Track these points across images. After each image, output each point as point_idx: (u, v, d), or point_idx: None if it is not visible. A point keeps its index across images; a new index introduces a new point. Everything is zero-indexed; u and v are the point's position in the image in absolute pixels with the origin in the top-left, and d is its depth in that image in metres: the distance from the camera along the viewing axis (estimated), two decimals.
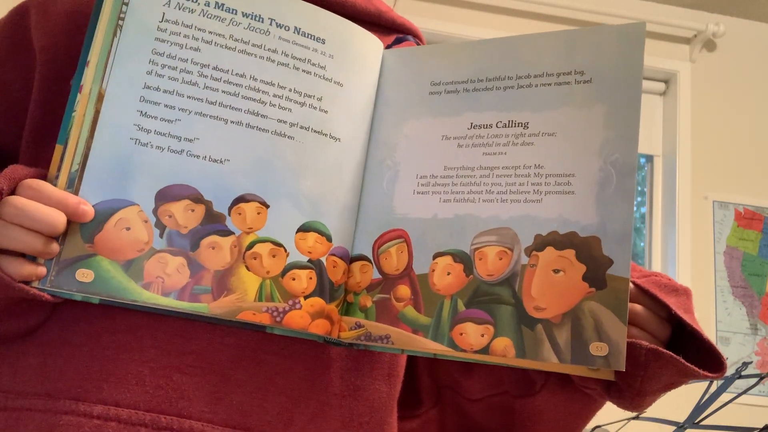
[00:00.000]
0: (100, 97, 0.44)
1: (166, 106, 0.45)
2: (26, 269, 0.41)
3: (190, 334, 0.46)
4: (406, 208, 0.48)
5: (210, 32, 0.47)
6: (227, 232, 0.45)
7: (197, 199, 0.45)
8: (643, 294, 0.46)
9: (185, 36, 0.46)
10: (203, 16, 0.47)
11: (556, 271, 0.43)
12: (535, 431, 0.57)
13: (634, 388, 0.45)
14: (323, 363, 0.49)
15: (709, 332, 2.40)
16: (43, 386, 0.45)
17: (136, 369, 0.45)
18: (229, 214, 0.46)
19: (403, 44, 0.59)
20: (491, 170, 0.46)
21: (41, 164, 0.50)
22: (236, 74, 0.47)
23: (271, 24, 0.48)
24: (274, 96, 0.48)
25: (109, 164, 0.44)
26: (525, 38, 0.49)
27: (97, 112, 0.44)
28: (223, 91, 0.47)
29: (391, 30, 0.62)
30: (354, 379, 0.51)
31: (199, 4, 0.47)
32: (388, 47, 0.56)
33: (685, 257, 2.45)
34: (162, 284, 0.43)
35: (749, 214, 2.53)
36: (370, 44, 0.53)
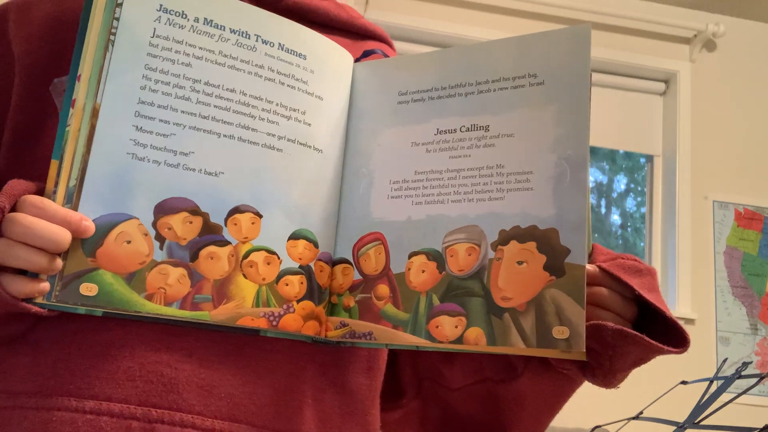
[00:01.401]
0: (95, 112, 0.45)
1: (160, 120, 0.46)
2: (29, 287, 0.42)
3: (178, 331, 0.47)
4: (381, 212, 0.51)
5: (200, 48, 0.48)
6: (224, 243, 0.47)
7: (194, 211, 0.46)
8: (608, 276, 0.48)
9: (176, 51, 0.47)
10: (193, 32, 0.48)
11: (519, 263, 0.46)
12: (518, 414, 0.58)
13: (604, 366, 0.49)
14: (305, 358, 0.51)
15: (709, 332, 2.40)
16: (34, 385, 0.45)
17: (127, 365, 0.45)
18: (226, 225, 0.47)
19: (371, 57, 0.62)
20: (458, 172, 0.49)
21: (24, 168, 0.51)
22: (226, 89, 0.48)
23: (257, 40, 0.50)
24: (263, 110, 0.49)
25: (107, 179, 0.44)
26: (483, 46, 0.52)
27: (92, 127, 0.44)
28: (215, 106, 0.48)
29: (363, 36, 0.65)
30: (335, 373, 0.53)
31: (188, 20, 0.48)
32: (357, 60, 0.58)
33: (685, 257, 2.45)
34: (164, 295, 0.45)
35: (749, 214, 2.53)
36: (343, 59, 0.56)
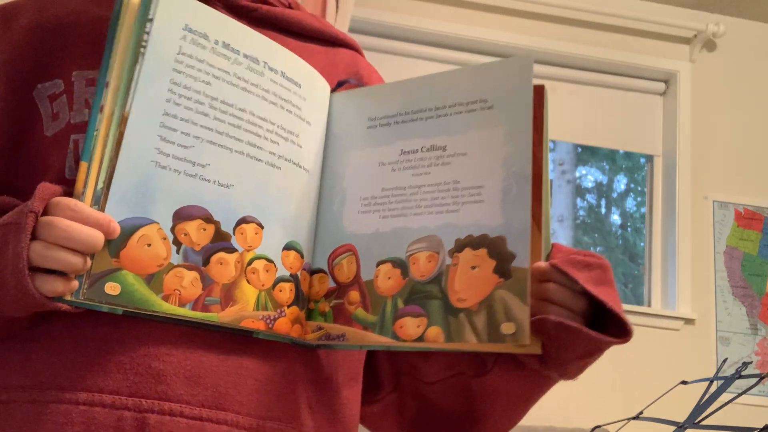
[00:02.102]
0: (124, 120, 0.47)
1: (182, 132, 0.49)
2: (62, 286, 0.44)
3: (166, 326, 0.49)
4: (353, 226, 0.57)
5: (218, 68, 0.51)
6: (232, 250, 0.51)
7: (208, 219, 0.50)
8: (558, 272, 0.52)
9: (198, 69, 0.50)
10: (213, 53, 0.51)
11: (472, 268, 0.50)
12: (491, 407, 0.62)
13: (553, 358, 0.53)
14: (286, 352, 0.55)
15: (709, 332, 2.40)
16: (27, 379, 0.47)
17: (117, 359, 0.47)
18: (234, 234, 0.51)
19: (345, 86, 0.67)
20: (419, 188, 0.55)
21: (19, 169, 0.54)
22: (239, 108, 0.52)
23: (264, 66, 0.54)
24: (267, 131, 0.54)
25: (133, 184, 0.47)
26: (441, 75, 0.58)
27: (121, 134, 0.47)
28: (229, 123, 0.51)
29: (334, 44, 0.69)
30: (314, 366, 0.57)
31: (209, 41, 0.51)
32: (333, 90, 0.63)
33: (685, 257, 2.45)
34: (179, 296, 0.48)
35: (749, 214, 2.53)
36: (324, 89, 0.61)
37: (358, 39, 2.48)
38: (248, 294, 0.51)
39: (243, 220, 0.51)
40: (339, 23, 2.05)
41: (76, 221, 0.44)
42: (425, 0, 2.62)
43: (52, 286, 0.43)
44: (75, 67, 0.57)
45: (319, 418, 0.56)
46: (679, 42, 2.69)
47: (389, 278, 0.54)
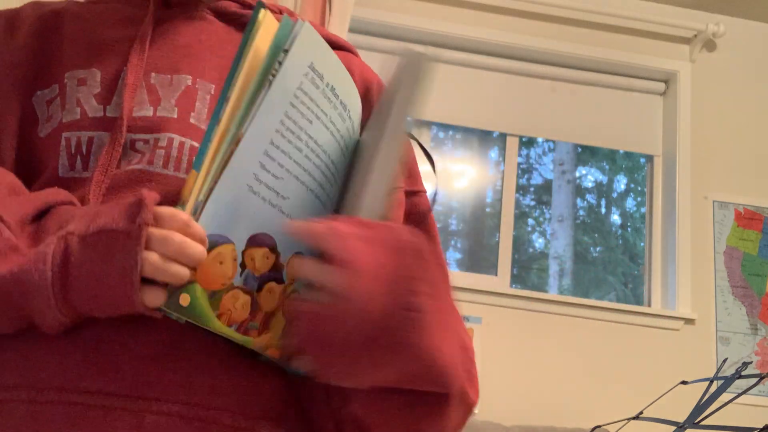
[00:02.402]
0: (237, 140, 0.48)
1: (279, 164, 0.50)
2: (163, 297, 0.45)
3: (161, 328, 0.49)
4: None
5: (322, 110, 0.53)
6: (281, 281, 0.52)
7: (273, 249, 0.51)
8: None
9: (308, 108, 0.51)
10: (322, 94, 0.53)
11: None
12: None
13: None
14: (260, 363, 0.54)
15: (709, 332, 2.40)
16: (24, 378, 0.47)
17: (113, 359, 0.48)
18: (285, 266, 0.52)
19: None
20: None
21: (18, 171, 0.54)
22: (323, 150, 0.53)
23: (345, 110, 0.56)
24: (331, 174, 0.56)
25: (227, 202, 0.48)
26: None
27: (231, 153, 0.47)
28: (313, 163, 0.53)
29: (332, 48, 0.68)
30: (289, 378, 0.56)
31: (323, 81, 0.52)
32: None
33: (685, 257, 2.45)
34: (230, 317, 0.48)
35: (749, 214, 2.53)
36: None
37: (358, 39, 2.48)
38: (279, 324, 0.52)
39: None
40: (339, 24, 2.05)
41: (186, 235, 0.44)
42: (425, 0, 2.62)
43: (156, 296, 0.44)
44: (68, 68, 0.58)
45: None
46: (679, 42, 2.69)
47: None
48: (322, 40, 0.53)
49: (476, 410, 2.25)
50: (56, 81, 0.57)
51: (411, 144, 0.57)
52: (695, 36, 2.67)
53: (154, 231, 0.44)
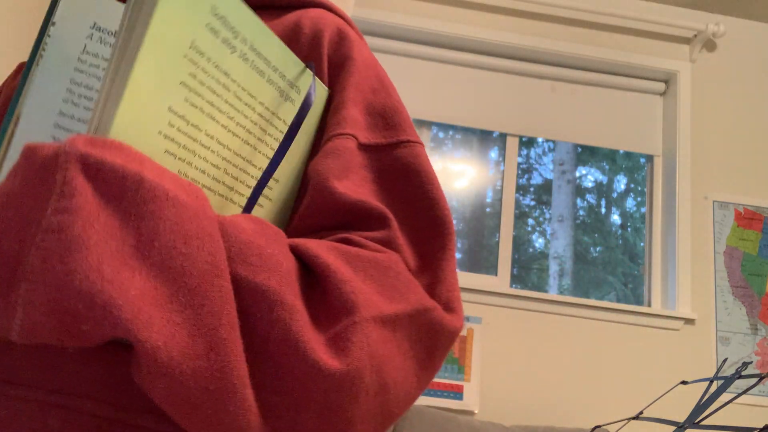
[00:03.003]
0: (16, 119, 0.46)
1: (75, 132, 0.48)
2: None
3: None
4: None
5: None
6: None
7: None
8: None
9: (103, 69, 0.48)
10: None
11: None
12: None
13: None
14: None
15: (709, 332, 2.40)
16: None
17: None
18: None
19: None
20: None
21: None
22: None
23: None
24: None
25: None
26: None
27: (12, 132, 0.46)
28: None
29: (287, 8, 0.64)
30: None
31: (112, 35, 0.50)
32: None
33: (685, 257, 2.45)
34: None
35: (749, 214, 2.53)
36: None
37: None
38: None
39: None
40: None
41: None
42: (425, 0, 2.62)
43: None
44: None
45: None
46: (679, 42, 2.69)
47: None
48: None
49: (476, 410, 2.25)
50: None
51: (386, 91, 0.53)
52: (695, 36, 2.67)
53: None
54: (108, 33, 0.49)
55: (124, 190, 0.34)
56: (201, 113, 0.42)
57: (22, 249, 0.33)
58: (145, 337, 0.33)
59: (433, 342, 0.49)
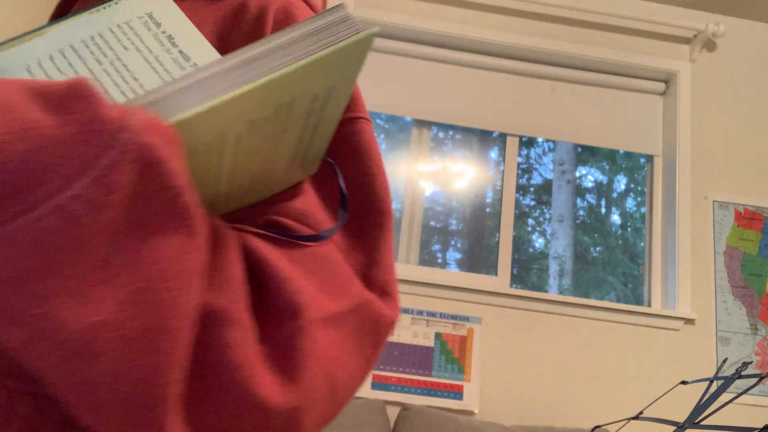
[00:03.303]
0: (41, 31, 0.50)
1: (69, 63, 0.50)
2: None
3: None
4: None
5: (147, 47, 0.52)
6: None
7: None
8: None
9: (129, 39, 0.52)
10: (153, 37, 0.53)
11: None
12: None
13: None
14: None
15: (709, 332, 2.40)
16: None
17: None
18: None
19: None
20: None
21: None
22: (133, 77, 0.52)
23: (188, 61, 0.54)
24: (132, 92, 0.56)
25: None
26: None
27: (29, 38, 0.49)
28: (112, 79, 0.52)
29: None
30: None
31: (159, 29, 0.53)
32: None
33: (685, 257, 2.45)
34: None
35: (749, 214, 2.53)
36: None
37: None
38: None
39: None
40: None
41: None
42: (425, 0, 2.62)
43: None
44: None
45: None
46: (679, 42, 2.70)
47: None
48: (176, 6, 0.54)
49: (476, 410, 2.25)
50: None
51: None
52: (695, 36, 2.67)
53: None
54: (156, 24, 0.52)
55: (159, 204, 0.31)
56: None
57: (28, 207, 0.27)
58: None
59: (376, 334, 0.46)
